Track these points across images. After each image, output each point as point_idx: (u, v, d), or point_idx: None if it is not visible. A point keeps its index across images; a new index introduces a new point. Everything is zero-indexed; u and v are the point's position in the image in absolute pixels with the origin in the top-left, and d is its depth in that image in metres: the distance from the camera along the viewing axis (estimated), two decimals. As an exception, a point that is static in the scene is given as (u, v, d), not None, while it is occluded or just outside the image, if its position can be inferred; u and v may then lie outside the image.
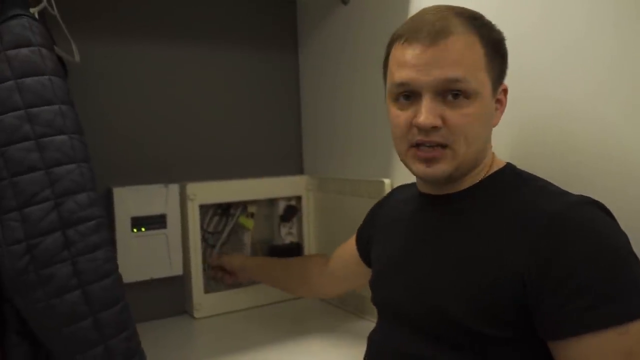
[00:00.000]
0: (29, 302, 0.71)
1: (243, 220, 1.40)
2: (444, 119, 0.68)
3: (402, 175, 1.16)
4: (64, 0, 0.92)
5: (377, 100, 1.22)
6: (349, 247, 1.07)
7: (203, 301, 1.31)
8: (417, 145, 0.71)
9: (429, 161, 0.71)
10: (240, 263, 1.31)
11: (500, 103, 0.75)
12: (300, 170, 1.54)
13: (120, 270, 1.17)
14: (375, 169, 1.23)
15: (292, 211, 1.46)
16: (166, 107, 1.33)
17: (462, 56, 0.68)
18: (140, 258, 1.24)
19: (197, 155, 1.37)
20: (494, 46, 0.72)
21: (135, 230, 1.23)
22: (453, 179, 0.73)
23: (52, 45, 0.78)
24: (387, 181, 1.18)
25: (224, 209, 1.39)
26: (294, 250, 1.46)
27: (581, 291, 0.58)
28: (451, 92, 0.68)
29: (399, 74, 0.71)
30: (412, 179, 1.10)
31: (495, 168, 0.76)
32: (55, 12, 0.92)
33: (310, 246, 1.47)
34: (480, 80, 0.69)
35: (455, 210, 0.74)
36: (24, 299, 0.71)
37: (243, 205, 1.41)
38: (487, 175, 0.75)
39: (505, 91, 0.76)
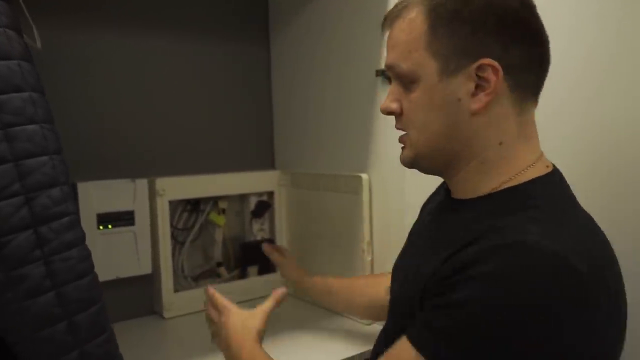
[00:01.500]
0: (-2, 305, 0.65)
1: (214, 216, 1.36)
2: (402, 105, 0.66)
3: (380, 170, 1.15)
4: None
5: (352, 93, 1.21)
6: None
7: (173, 300, 1.27)
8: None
9: (401, 146, 0.70)
10: (294, 277, 1.20)
11: (486, 81, 0.61)
12: (272, 165, 1.51)
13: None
14: (352, 164, 1.22)
15: (264, 207, 1.43)
16: (133, 99, 1.27)
17: (399, 38, 0.64)
18: (107, 256, 1.18)
19: (165, 149, 1.32)
20: (442, 17, 0.61)
21: (101, 227, 1.17)
22: (424, 169, 0.69)
23: (20, 27, 0.72)
24: (364, 176, 1.17)
25: (194, 205, 1.35)
26: (266, 246, 1.43)
27: (432, 308, 0.58)
28: (399, 79, 0.66)
29: None
30: (393, 175, 1.11)
31: (520, 180, 0.62)
32: (18, -6, 0.85)
33: (282, 242, 1.44)
34: (416, 61, 0.62)
35: (451, 217, 0.69)
36: (-7, 301, 0.65)
37: (213, 200, 1.37)
38: (503, 186, 0.63)
39: (492, 68, 0.60)
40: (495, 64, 0.60)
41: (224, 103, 1.42)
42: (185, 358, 1.04)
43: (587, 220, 0.61)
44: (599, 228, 0.62)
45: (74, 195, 0.74)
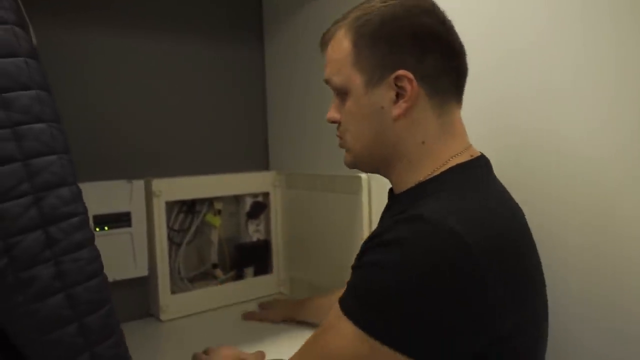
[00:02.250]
0: (7, 307, 0.64)
1: (210, 217, 1.35)
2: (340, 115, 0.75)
3: (378, 170, 1.16)
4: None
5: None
6: None
7: (170, 302, 1.25)
8: None
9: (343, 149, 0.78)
10: (282, 317, 1.21)
11: (403, 90, 0.68)
12: (266, 166, 1.51)
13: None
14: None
15: (259, 208, 1.42)
16: (129, 100, 1.26)
17: (330, 57, 0.74)
18: (103, 259, 1.15)
19: (161, 150, 1.31)
20: (364, 38, 0.69)
21: (97, 229, 1.15)
22: (364, 169, 0.78)
23: (26, 24, 0.71)
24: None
25: (189, 206, 1.33)
26: (262, 247, 1.43)
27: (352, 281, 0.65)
28: (335, 91, 0.75)
29: None
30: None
31: (443, 168, 0.70)
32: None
33: (278, 244, 1.44)
34: (345, 76, 0.71)
35: (387, 211, 0.79)
36: (2, 303, 0.64)
37: (209, 201, 1.36)
38: (427, 177, 0.70)
39: (407, 79, 0.67)
40: (409, 74, 0.67)
41: (219, 104, 1.41)
42: (185, 360, 1.03)
43: (495, 200, 0.67)
44: (512, 208, 0.68)
45: (82, 196, 0.72)
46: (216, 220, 1.36)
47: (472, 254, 0.57)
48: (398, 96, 0.69)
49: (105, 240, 1.17)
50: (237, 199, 1.42)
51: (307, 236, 1.36)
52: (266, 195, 1.43)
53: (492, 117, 0.91)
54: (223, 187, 1.35)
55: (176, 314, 1.26)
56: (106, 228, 1.16)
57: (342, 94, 0.73)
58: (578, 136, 0.80)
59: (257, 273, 1.42)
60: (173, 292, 1.27)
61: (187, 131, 1.36)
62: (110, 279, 1.17)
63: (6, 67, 0.66)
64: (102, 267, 0.72)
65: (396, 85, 0.68)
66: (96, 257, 0.71)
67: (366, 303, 0.61)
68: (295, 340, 1.09)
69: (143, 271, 1.23)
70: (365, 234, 1.17)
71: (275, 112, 1.49)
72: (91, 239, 0.71)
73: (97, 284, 0.70)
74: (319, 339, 0.67)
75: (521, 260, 0.64)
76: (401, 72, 0.67)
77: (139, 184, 1.22)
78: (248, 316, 1.25)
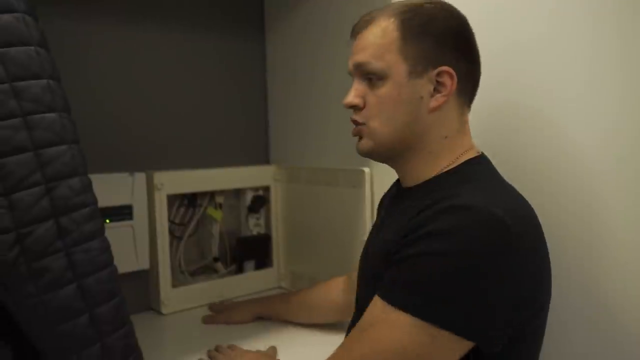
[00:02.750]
0: (18, 297, 0.64)
1: (211, 211, 1.35)
2: (365, 100, 0.75)
3: (380, 164, 1.16)
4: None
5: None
6: None
7: (171, 296, 1.25)
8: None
9: (357, 137, 0.78)
10: (252, 315, 1.19)
11: (443, 86, 0.73)
12: (267, 160, 1.51)
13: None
14: (353, 158, 1.22)
15: (260, 202, 1.42)
16: (131, 93, 1.25)
17: (371, 41, 0.74)
18: (105, 252, 1.15)
19: (162, 143, 1.30)
20: (413, 29, 0.72)
21: (99, 221, 1.14)
22: (381, 157, 0.78)
23: (35, 13, 0.70)
24: (366, 170, 1.17)
25: (190, 200, 1.33)
26: (262, 241, 1.43)
27: (396, 264, 0.67)
28: (366, 76, 0.74)
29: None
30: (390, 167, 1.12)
31: (457, 162, 0.75)
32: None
33: (278, 238, 1.44)
34: (388, 62, 0.72)
35: (402, 203, 0.78)
36: (13, 294, 0.63)
37: (210, 195, 1.36)
38: (444, 170, 0.75)
39: (448, 75, 0.72)
40: (452, 71, 0.73)
41: (221, 98, 1.41)
42: (183, 354, 1.02)
43: (513, 190, 0.73)
44: (523, 197, 0.72)
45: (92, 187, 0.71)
46: (218, 214, 1.36)
47: (515, 238, 0.63)
48: (434, 90, 0.73)
49: (107, 233, 1.15)
50: (238, 193, 1.42)
51: (308, 230, 1.36)
52: (267, 189, 1.43)
53: (496, 114, 0.92)
54: (224, 180, 1.35)
55: (177, 308, 1.26)
56: (107, 221, 1.15)
57: (377, 79, 0.73)
58: (583, 135, 0.81)
59: (257, 267, 1.42)
60: (174, 285, 1.27)
61: (189, 124, 1.35)
62: (112, 272, 1.18)
63: (18, 56, 0.65)
64: (112, 258, 0.72)
65: (436, 80, 0.73)
66: (107, 247, 0.70)
67: (424, 292, 0.62)
68: (297, 334, 1.11)
69: (144, 264, 1.22)
70: (368, 227, 1.18)
71: (276, 105, 1.49)
72: (101, 229, 0.71)
73: (108, 275, 0.70)
74: (366, 335, 0.66)
75: (545, 247, 0.71)
76: (445, 68, 0.72)
77: (141, 177, 1.21)
78: (208, 320, 1.19)
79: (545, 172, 0.85)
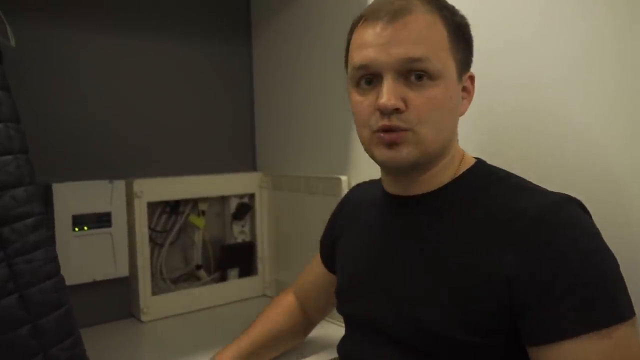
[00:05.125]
0: (-43, 308, 0.64)
1: (193, 218, 1.35)
2: (407, 102, 0.64)
3: (359, 172, 1.14)
4: (-1, -22, 0.84)
5: (333, 94, 1.20)
6: (315, 269, 0.97)
7: (150, 304, 1.25)
8: (381, 131, 0.66)
9: (392, 144, 0.66)
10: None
11: (467, 92, 0.71)
12: (253, 167, 1.50)
13: (61, 271, 1.11)
14: (332, 166, 1.21)
15: (244, 209, 1.42)
16: (111, 98, 1.25)
17: (424, 34, 0.65)
18: (82, 259, 1.16)
19: (144, 150, 1.30)
20: (457, 29, 0.68)
21: (76, 229, 1.15)
22: (418, 168, 0.69)
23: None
24: (344, 178, 1.16)
25: (173, 207, 1.33)
26: (247, 249, 1.42)
27: (565, 294, 0.56)
28: (414, 73, 0.64)
29: (358, 56, 0.67)
30: (372, 177, 1.10)
31: (465, 166, 0.72)
32: (-13, -10, 0.84)
33: (263, 245, 1.43)
34: (443, 61, 0.65)
35: (426, 212, 0.70)
36: (-48, 305, 0.64)
37: (193, 202, 1.35)
38: (458, 173, 0.71)
39: (472, 79, 0.72)
40: (474, 75, 0.72)
41: (205, 104, 1.41)
42: (162, 362, 1.02)
43: None
44: None
45: (41, 196, 0.71)
46: (200, 222, 1.35)
47: None
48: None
49: (85, 240, 1.17)
50: (223, 200, 1.41)
51: (291, 238, 1.35)
52: (252, 196, 1.42)
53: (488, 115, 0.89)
54: (207, 187, 1.35)
55: (157, 315, 1.26)
56: (85, 228, 1.16)
57: (428, 78, 0.65)
58: (583, 122, 0.78)
59: (242, 275, 1.41)
60: (154, 293, 1.26)
61: (174, 131, 1.36)
62: (90, 279, 1.19)
63: (-39, 67, 0.66)
64: (58, 268, 0.71)
65: (463, 84, 0.71)
66: (52, 258, 0.70)
67: (607, 297, 0.57)
68: None
69: (124, 272, 1.23)
70: (345, 236, 1.16)
71: (262, 112, 1.48)
72: (47, 239, 0.70)
73: (53, 285, 0.69)
74: None
75: None
76: (472, 73, 0.72)
77: (120, 184, 1.21)
78: None
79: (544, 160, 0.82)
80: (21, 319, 0.66)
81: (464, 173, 0.71)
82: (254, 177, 1.42)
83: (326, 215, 1.20)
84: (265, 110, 1.47)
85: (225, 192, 1.39)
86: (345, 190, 1.16)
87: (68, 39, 1.19)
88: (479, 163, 0.73)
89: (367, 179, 1.12)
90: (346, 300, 0.80)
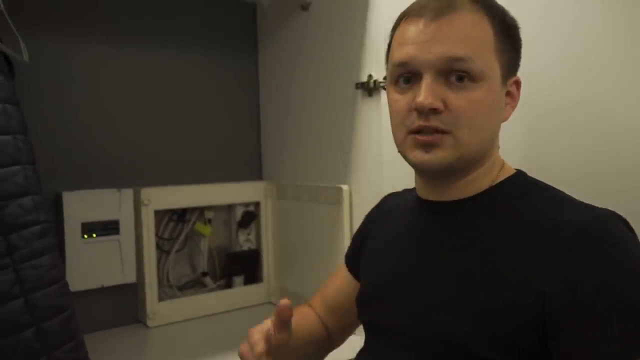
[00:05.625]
0: (-35, 311, 0.67)
1: (200, 226, 1.38)
2: (446, 103, 0.62)
3: (360, 182, 1.16)
4: (12, -4, 0.89)
5: (336, 105, 1.23)
6: (339, 280, 0.88)
7: (157, 309, 1.28)
8: (417, 132, 0.63)
9: (428, 147, 0.63)
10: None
11: (511, 97, 0.67)
12: (259, 176, 1.53)
13: (70, 277, 1.14)
14: (334, 175, 1.23)
15: (250, 217, 1.44)
16: (119, 109, 1.29)
17: (468, 34, 0.62)
18: (91, 265, 1.20)
19: (151, 159, 1.34)
20: (504, 29, 0.65)
21: (85, 236, 1.19)
22: (454, 172, 0.65)
23: (-4, 42, 0.75)
24: (345, 187, 1.18)
25: (180, 215, 1.36)
26: (252, 256, 1.45)
27: (611, 315, 0.52)
28: (455, 73, 0.62)
29: (399, 53, 0.65)
30: (373, 186, 1.13)
31: (504, 175, 0.68)
32: (2, 7, 0.88)
33: (268, 253, 1.46)
34: (487, 62, 0.62)
35: (461, 220, 0.66)
36: (-39, 308, 0.67)
37: (199, 210, 1.38)
38: (495, 181, 0.67)
39: (517, 84, 0.68)
40: (520, 80, 0.68)
41: (212, 114, 1.44)
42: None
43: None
44: None
45: (47, 205, 0.74)
46: (206, 230, 1.38)
47: None
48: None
49: (94, 247, 1.20)
50: (229, 208, 1.44)
51: (296, 246, 1.37)
52: (257, 204, 1.45)
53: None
54: (213, 196, 1.38)
55: (164, 321, 1.28)
56: (94, 235, 1.20)
57: (470, 80, 0.62)
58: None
59: (247, 282, 1.44)
60: (161, 299, 1.29)
61: (181, 141, 1.39)
62: (98, 285, 1.23)
63: (-27, 83, 0.70)
64: (63, 274, 0.74)
65: (508, 89, 0.67)
66: (57, 264, 0.73)
67: None
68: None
69: (131, 278, 1.26)
70: (346, 244, 1.18)
71: (268, 122, 1.51)
72: (52, 246, 0.73)
73: (57, 290, 0.72)
74: None
75: None
76: (518, 77, 0.68)
77: (128, 193, 1.25)
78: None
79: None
80: (26, 322, 0.69)
81: (502, 181, 0.67)
82: (259, 186, 1.45)
83: (329, 224, 1.23)
84: (271, 120, 1.49)
85: (231, 201, 1.41)
86: (346, 199, 1.18)
87: (78, 52, 1.23)
88: (520, 173, 0.69)
89: (367, 189, 1.14)
90: (367, 308, 0.75)
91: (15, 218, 0.69)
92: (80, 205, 1.18)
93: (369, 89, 1.11)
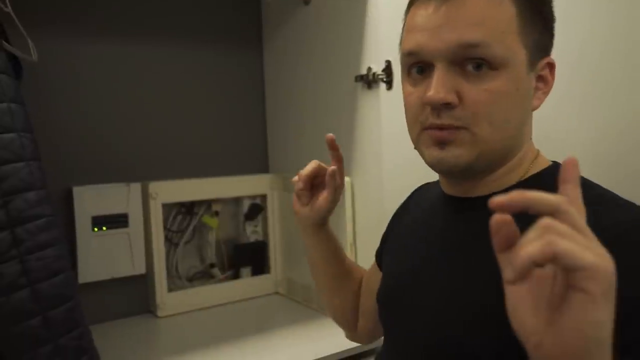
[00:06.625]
0: (-25, 300, 0.71)
1: (207, 219, 1.41)
2: (461, 95, 0.56)
3: (362, 174, 1.18)
4: (19, -4, 0.92)
5: (336, 98, 1.24)
6: (371, 268, 0.86)
7: (166, 300, 1.31)
8: (430, 128, 0.58)
9: (442, 143, 0.57)
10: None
11: (543, 81, 0.60)
12: (265, 169, 1.55)
13: (81, 269, 1.20)
14: (348, 166, 1.24)
15: (257, 209, 1.47)
16: (127, 105, 1.33)
17: (484, 15, 0.55)
18: (102, 257, 1.24)
19: (159, 154, 1.37)
20: (531, 6, 0.57)
21: (96, 229, 1.23)
22: (475, 172, 0.59)
23: (0, 43, 0.78)
24: (346, 179, 1.19)
25: (188, 208, 1.39)
26: (259, 248, 1.47)
27: None
28: (471, 61, 0.55)
29: (408, 41, 0.59)
30: (373, 178, 1.14)
31: (537, 168, 0.61)
32: (9, 8, 0.91)
33: (275, 244, 1.48)
34: (508, 46, 0.55)
35: (485, 219, 0.58)
36: (-29, 297, 0.71)
37: (207, 203, 1.42)
38: (527, 174, 0.60)
39: (551, 66, 0.60)
40: (554, 62, 0.60)
41: (218, 108, 1.47)
42: (178, 355, 1.08)
43: None
44: None
45: (51, 199, 0.78)
46: (213, 222, 1.41)
47: None
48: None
49: (104, 240, 1.24)
50: (236, 201, 1.47)
51: (301, 238, 1.39)
52: (264, 197, 1.47)
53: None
54: (221, 189, 1.40)
55: (173, 311, 1.32)
56: (104, 228, 1.23)
57: (489, 67, 0.55)
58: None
59: (254, 273, 1.46)
60: (170, 289, 1.33)
61: (188, 135, 1.42)
62: (109, 277, 1.27)
63: (-21, 83, 0.73)
64: (68, 265, 0.77)
65: (539, 73, 0.60)
66: (62, 255, 0.76)
67: None
68: (291, 338, 1.14)
69: (141, 269, 1.30)
70: (349, 237, 1.20)
71: (274, 116, 1.53)
72: (57, 238, 0.77)
73: (62, 281, 0.76)
74: None
75: None
76: (550, 59, 0.60)
77: (136, 187, 1.28)
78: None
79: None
80: (32, 311, 0.72)
81: (534, 175, 0.60)
82: (265, 179, 1.47)
83: (332, 215, 1.24)
84: (276, 113, 1.51)
85: (238, 194, 1.44)
86: (347, 191, 1.19)
87: (85, 50, 1.26)
88: (556, 166, 0.61)
89: (370, 181, 1.16)
90: (384, 309, 0.72)
91: (20, 212, 0.73)
92: (91, 200, 1.22)
93: (369, 81, 1.12)
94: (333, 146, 0.76)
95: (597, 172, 0.62)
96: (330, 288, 0.86)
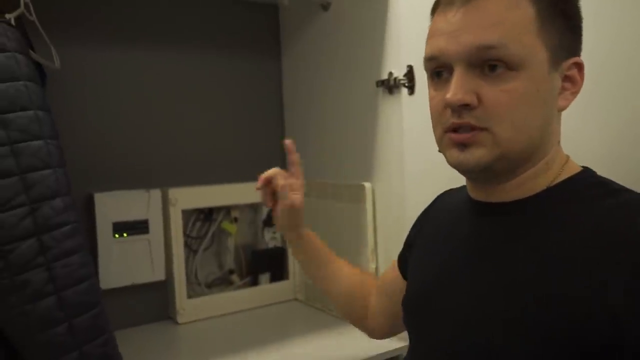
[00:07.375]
0: (3, 307, 0.71)
1: (226, 225, 1.41)
2: (480, 97, 0.56)
3: (383, 179, 1.17)
4: (43, 5, 0.92)
5: (357, 103, 1.23)
6: (389, 273, 0.88)
7: (186, 306, 1.31)
8: (452, 130, 0.59)
9: (462, 145, 0.58)
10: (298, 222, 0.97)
11: (571, 81, 0.60)
12: (284, 175, 1.55)
13: (102, 275, 1.20)
14: (356, 173, 1.24)
15: (275, 216, 1.46)
16: (148, 112, 1.33)
17: (502, 16, 0.56)
18: (122, 263, 1.24)
19: (179, 160, 1.37)
20: (553, 7, 0.57)
21: (117, 235, 1.23)
22: (497, 174, 0.60)
23: (27, 51, 0.78)
24: (367, 185, 1.19)
25: (207, 214, 1.39)
26: (278, 254, 1.47)
27: None
28: (488, 63, 0.56)
29: (429, 46, 0.61)
30: (395, 184, 1.13)
31: (567, 174, 0.60)
32: (34, 17, 0.92)
33: (293, 250, 1.47)
34: (527, 46, 0.55)
35: (512, 225, 0.60)
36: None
37: (226, 209, 1.41)
38: (556, 180, 0.60)
39: (579, 67, 0.60)
40: (581, 62, 0.60)
41: (237, 115, 1.47)
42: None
43: None
44: None
45: (76, 206, 0.78)
46: (232, 228, 1.41)
47: None
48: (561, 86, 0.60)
49: (124, 246, 1.24)
50: (254, 207, 1.47)
51: (320, 244, 1.38)
52: (282, 203, 1.47)
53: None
54: (239, 195, 1.40)
55: (192, 317, 1.32)
56: (125, 235, 1.24)
57: (507, 68, 0.56)
58: None
59: (273, 279, 1.46)
60: (190, 296, 1.33)
61: (207, 142, 1.42)
62: (129, 283, 1.27)
63: (7, 90, 0.73)
64: (92, 272, 0.77)
65: (566, 73, 0.59)
66: (87, 262, 0.76)
67: None
68: (311, 346, 1.13)
69: (160, 276, 1.30)
70: (370, 242, 1.19)
71: (291, 122, 1.53)
72: (82, 245, 0.77)
73: (87, 288, 0.75)
74: None
75: None
76: (578, 59, 0.59)
77: (156, 193, 1.29)
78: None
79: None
80: (59, 318, 0.72)
81: (563, 181, 0.60)
82: (284, 185, 1.46)
83: (352, 222, 1.24)
84: (294, 119, 1.51)
85: (257, 200, 1.43)
86: (369, 197, 1.19)
87: (107, 57, 1.27)
88: (587, 172, 0.61)
89: (390, 186, 1.15)
90: (410, 314, 0.72)
91: (47, 219, 0.73)
92: (112, 206, 1.23)
93: (390, 86, 1.11)
94: (289, 150, 0.94)
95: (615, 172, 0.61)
96: (323, 289, 0.98)
